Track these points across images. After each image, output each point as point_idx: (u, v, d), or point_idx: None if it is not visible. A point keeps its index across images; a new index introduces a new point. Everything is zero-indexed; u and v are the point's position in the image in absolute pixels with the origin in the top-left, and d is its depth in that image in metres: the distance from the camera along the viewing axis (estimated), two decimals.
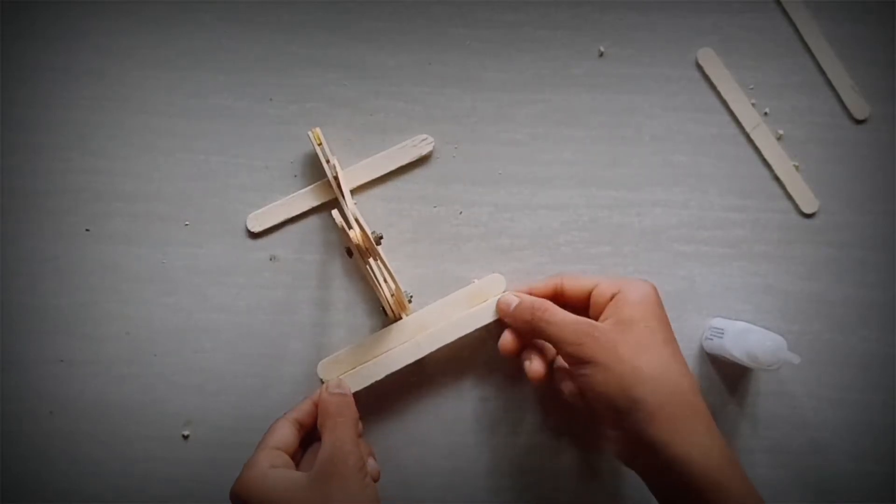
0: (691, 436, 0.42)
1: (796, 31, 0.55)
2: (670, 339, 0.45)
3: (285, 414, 0.48)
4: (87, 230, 0.53)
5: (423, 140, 0.53)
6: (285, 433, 0.47)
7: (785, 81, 0.55)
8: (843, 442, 0.54)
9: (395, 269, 0.54)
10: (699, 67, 0.55)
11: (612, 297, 0.46)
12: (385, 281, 0.49)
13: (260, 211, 0.53)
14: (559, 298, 0.50)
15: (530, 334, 0.48)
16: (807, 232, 0.54)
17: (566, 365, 0.47)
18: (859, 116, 0.55)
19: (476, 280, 0.52)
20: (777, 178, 0.55)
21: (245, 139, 0.54)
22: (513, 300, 0.49)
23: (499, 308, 0.50)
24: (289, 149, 0.54)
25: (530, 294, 0.50)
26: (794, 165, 0.54)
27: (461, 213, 0.54)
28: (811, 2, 0.55)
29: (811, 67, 0.55)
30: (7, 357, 0.52)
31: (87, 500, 0.52)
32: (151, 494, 0.52)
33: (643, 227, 0.54)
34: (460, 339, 0.51)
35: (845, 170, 0.55)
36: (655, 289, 0.47)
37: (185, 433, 0.52)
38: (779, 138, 0.55)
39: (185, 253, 0.53)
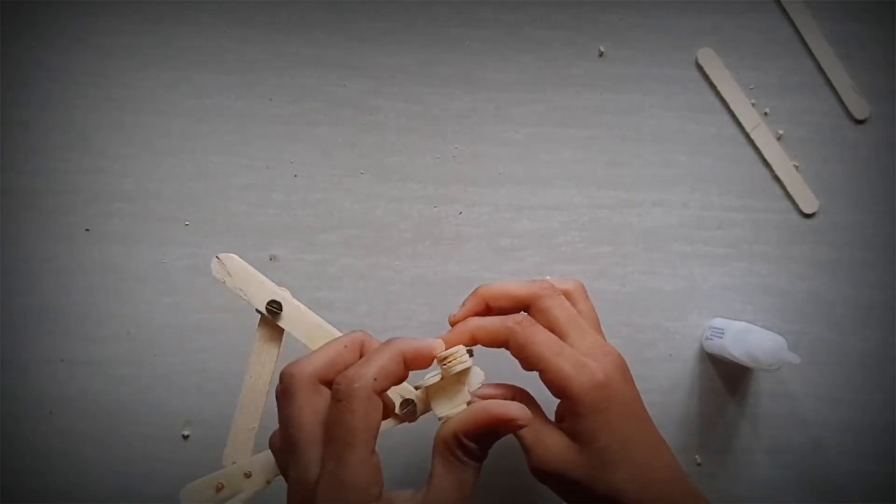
0: None
1: (796, 31, 0.55)
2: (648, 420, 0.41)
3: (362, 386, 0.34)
4: (87, 230, 0.53)
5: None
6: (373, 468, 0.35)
7: (785, 81, 0.55)
8: (843, 442, 0.54)
9: (395, 269, 0.54)
10: (699, 67, 0.55)
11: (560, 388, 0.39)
12: None
13: None
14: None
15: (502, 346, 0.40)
16: (807, 232, 0.54)
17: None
18: (859, 116, 0.55)
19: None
20: (777, 178, 0.55)
21: (245, 139, 0.54)
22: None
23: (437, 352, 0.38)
24: (289, 149, 0.54)
25: (450, 339, 0.40)
26: (794, 165, 0.54)
27: (461, 213, 0.54)
28: (811, 2, 0.55)
29: (811, 67, 0.55)
30: (7, 357, 0.52)
31: (87, 500, 0.52)
32: (151, 494, 0.52)
33: (643, 227, 0.54)
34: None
35: (845, 170, 0.55)
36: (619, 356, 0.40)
37: (185, 433, 0.52)
38: (779, 138, 0.55)
39: (185, 253, 0.53)
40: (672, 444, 0.56)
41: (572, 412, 0.38)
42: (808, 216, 0.54)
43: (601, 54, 0.55)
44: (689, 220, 0.54)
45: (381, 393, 0.35)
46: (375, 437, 0.34)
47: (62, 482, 0.52)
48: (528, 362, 0.39)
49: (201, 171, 0.53)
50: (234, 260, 0.41)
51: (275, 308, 0.41)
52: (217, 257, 0.41)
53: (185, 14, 0.54)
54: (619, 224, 0.54)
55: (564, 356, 0.38)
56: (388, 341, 0.36)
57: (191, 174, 0.53)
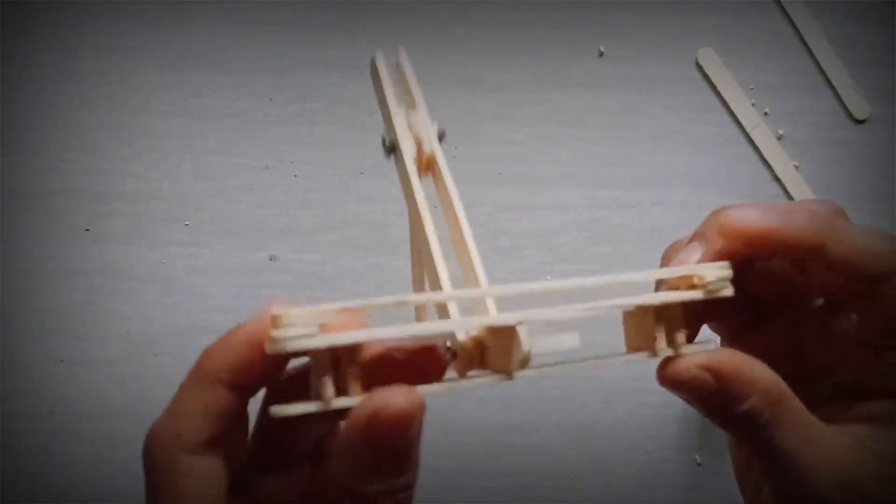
0: None
1: (796, 31, 0.55)
2: None
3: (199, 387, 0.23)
4: (87, 230, 0.53)
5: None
6: (216, 474, 0.22)
7: (785, 81, 0.55)
8: None
9: (395, 269, 0.54)
10: (699, 67, 0.55)
11: None
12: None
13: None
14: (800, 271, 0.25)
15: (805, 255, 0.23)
16: None
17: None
18: (859, 116, 0.55)
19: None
20: (777, 178, 0.55)
21: (245, 139, 0.54)
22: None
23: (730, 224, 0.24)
24: (289, 149, 0.53)
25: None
26: (794, 165, 0.54)
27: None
28: (811, 2, 0.55)
29: (811, 67, 0.55)
30: (7, 357, 0.52)
31: (87, 500, 0.52)
32: None
33: (643, 227, 0.54)
34: None
35: (845, 170, 0.55)
36: None
37: None
38: (779, 138, 0.55)
39: (185, 253, 0.53)
40: (672, 444, 0.56)
41: None
42: None
43: (601, 54, 0.55)
44: (689, 220, 0.54)
45: (208, 445, 0.22)
46: None
47: (62, 482, 0.52)
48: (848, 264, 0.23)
49: (201, 171, 0.53)
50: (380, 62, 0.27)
51: (387, 147, 0.27)
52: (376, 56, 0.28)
53: (185, 14, 0.54)
54: (619, 224, 0.54)
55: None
56: (205, 354, 0.23)
57: (191, 174, 0.53)
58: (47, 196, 0.53)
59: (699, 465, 0.53)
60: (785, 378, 0.23)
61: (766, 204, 0.24)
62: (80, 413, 0.52)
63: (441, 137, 0.27)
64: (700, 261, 0.24)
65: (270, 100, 0.54)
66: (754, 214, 0.23)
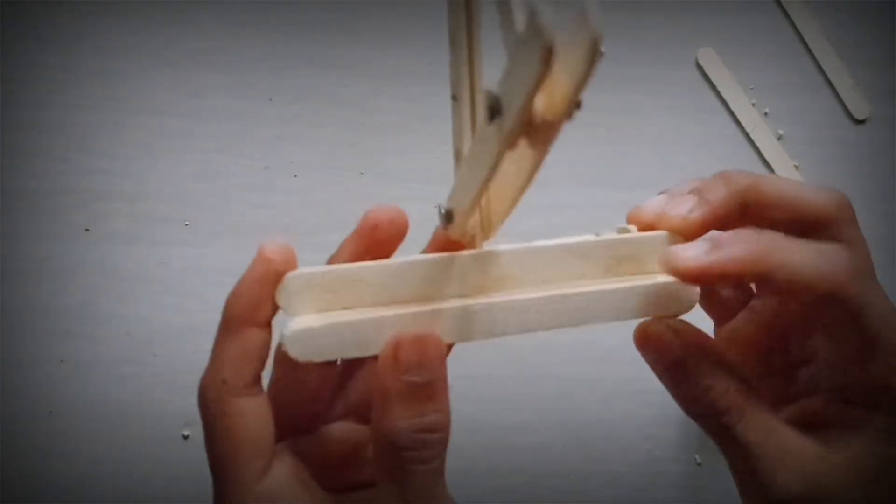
0: None
1: (796, 31, 0.55)
2: None
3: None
4: (87, 230, 0.53)
5: None
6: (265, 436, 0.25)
7: (785, 81, 0.55)
8: None
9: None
10: (699, 67, 0.55)
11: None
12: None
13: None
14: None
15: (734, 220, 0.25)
16: None
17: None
18: (859, 116, 0.55)
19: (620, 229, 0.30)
20: None
21: (245, 139, 0.54)
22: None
23: (639, 213, 0.29)
24: (289, 149, 0.53)
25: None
26: (794, 165, 0.54)
27: None
28: (811, 2, 0.55)
29: (811, 67, 0.55)
30: (7, 357, 0.52)
31: (87, 500, 0.52)
32: (151, 494, 0.52)
33: None
34: None
35: (845, 170, 0.55)
36: None
37: (185, 433, 0.52)
38: (779, 138, 0.55)
39: (185, 253, 0.53)
40: (672, 444, 0.56)
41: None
42: None
43: (601, 54, 0.55)
44: None
45: (253, 384, 0.24)
46: (265, 457, 0.24)
47: (62, 482, 0.52)
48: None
49: (201, 171, 0.53)
50: None
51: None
52: None
53: (185, 14, 0.54)
54: (619, 224, 0.54)
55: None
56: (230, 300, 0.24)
57: (191, 174, 0.53)
58: (47, 196, 0.53)
59: (699, 465, 0.53)
60: (767, 364, 0.25)
61: (716, 232, 0.25)
62: (80, 413, 0.52)
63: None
64: (693, 213, 0.26)
65: (270, 100, 0.54)
66: (693, 254, 0.24)
